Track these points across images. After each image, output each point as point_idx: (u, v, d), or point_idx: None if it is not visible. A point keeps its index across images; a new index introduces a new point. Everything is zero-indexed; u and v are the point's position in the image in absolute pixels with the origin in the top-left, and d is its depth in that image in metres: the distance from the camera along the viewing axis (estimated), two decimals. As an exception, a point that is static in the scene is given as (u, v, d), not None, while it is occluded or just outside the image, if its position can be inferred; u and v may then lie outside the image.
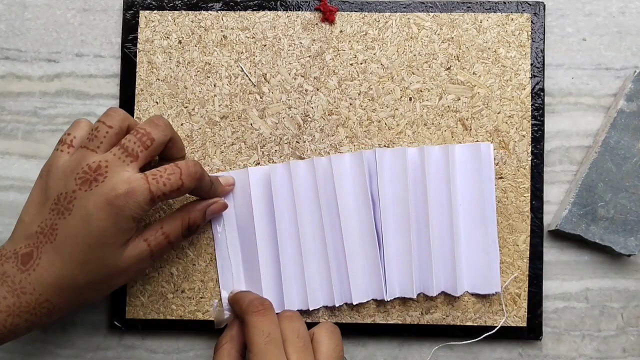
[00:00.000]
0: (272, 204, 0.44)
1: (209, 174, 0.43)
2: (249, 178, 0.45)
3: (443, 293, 0.45)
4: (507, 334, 0.45)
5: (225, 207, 0.45)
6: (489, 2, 0.46)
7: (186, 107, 0.46)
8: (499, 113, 0.46)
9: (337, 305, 0.45)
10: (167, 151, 0.42)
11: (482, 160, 0.45)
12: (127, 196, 0.37)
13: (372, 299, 0.45)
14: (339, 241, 0.44)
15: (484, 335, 0.44)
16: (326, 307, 0.45)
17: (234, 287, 0.45)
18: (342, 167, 0.45)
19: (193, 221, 0.42)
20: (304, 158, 0.46)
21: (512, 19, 0.46)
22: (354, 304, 0.44)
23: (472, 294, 0.45)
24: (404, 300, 0.45)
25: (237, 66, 0.47)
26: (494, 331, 0.45)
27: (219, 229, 0.45)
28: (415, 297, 0.44)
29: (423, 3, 0.47)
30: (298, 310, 0.44)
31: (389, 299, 0.44)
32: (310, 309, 0.45)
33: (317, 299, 0.45)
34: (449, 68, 0.46)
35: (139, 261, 0.40)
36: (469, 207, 0.45)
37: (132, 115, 0.46)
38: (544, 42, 0.46)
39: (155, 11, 0.47)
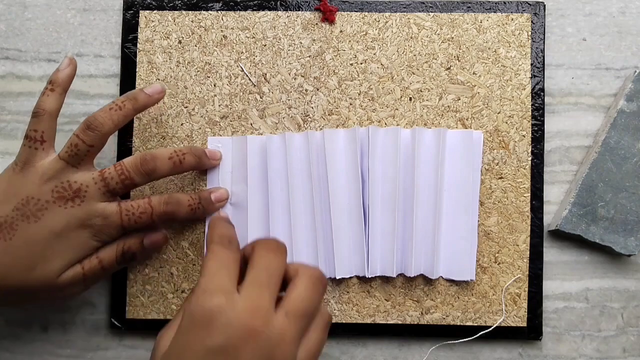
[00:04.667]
0: (266, 174, 0.45)
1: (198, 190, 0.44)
2: (247, 146, 0.45)
3: (444, 291, 0.45)
4: (507, 334, 0.45)
5: (165, 239, 0.44)
6: (489, 2, 0.46)
7: (186, 107, 0.46)
8: (499, 113, 0.46)
9: None
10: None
11: (472, 147, 0.45)
12: (100, 226, 0.40)
13: (358, 278, 0.45)
14: (327, 215, 0.44)
15: (480, 334, 0.44)
16: None
17: None
18: (335, 143, 0.45)
19: (127, 248, 0.42)
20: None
21: (512, 19, 0.46)
22: (337, 278, 0.44)
23: (448, 280, 0.45)
24: (403, 300, 0.45)
25: (237, 66, 0.47)
26: (490, 330, 0.45)
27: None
28: (395, 276, 0.44)
29: (423, 3, 0.47)
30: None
31: (370, 276, 0.44)
32: None
33: None
34: (449, 68, 0.46)
35: (72, 284, 0.40)
36: (454, 193, 0.45)
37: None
38: (544, 42, 0.46)
39: (155, 11, 0.47)
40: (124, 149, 0.46)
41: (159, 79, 0.47)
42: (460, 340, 0.45)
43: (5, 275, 0.38)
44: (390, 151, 0.45)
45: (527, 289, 0.45)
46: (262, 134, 0.46)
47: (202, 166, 0.44)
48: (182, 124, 0.46)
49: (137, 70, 0.47)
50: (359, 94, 0.46)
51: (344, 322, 0.45)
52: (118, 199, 0.42)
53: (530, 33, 0.46)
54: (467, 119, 0.46)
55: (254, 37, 0.47)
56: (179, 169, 0.42)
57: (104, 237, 0.40)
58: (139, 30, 0.47)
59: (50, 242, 0.38)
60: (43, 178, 0.39)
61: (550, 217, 0.46)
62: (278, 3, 0.47)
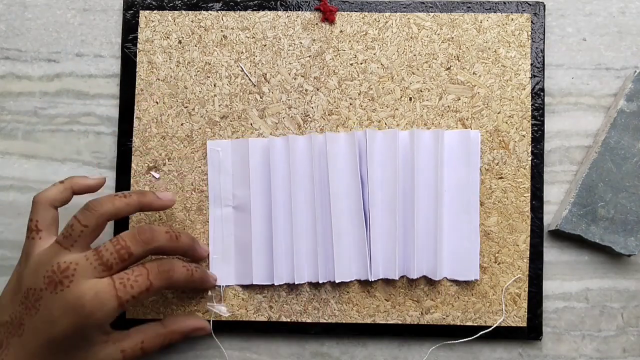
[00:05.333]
0: (269, 176, 0.45)
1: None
2: (249, 149, 0.45)
3: (444, 291, 0.45)
4: (507, 334, 0.45)
5: (208, 333, 0.44)
6: (489, 2, 0.46)
7: (186, 107, 0.46)
8: (499, 113, 0.46)
9: (320, 282, 0.45)
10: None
11: (470, 147, 0.45)
12: (93, 305, 0.36)
13: (358, 280, 0.45)
14: (328, 219, 0.44)
15: (480, 334, 0.44)
16: (310, 284, 0.45)
17: (223, 253, 0.46)
18: (336, 146, 0.45)
19: (174, 341, 0.42)
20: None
21: (512, 19, 0.46)
22: (337, 282, 0.44)
23: (451, 280, 0.45)
24: (403, 300, 0.45)
25: (237, 66, 0.47)
26: (490, 330, 0.45)
27: (214, 196, 0.46)
28: (397, 278, 0.44)
29: (423, 3, 0.47)
30: (285, 283, 0.45)
31: (372, 280, 0.44)
32: (296, 283, 0.45)
33: (302, 274, 0.45)
34: (449, 68, 0.46)
35: None
36: (454, 193, 0.45)
37: (132, 116, 0.46)
38: (544, 42, 0.46)
39: (155, 11, 0.47)
40: (124, 149, 0.46)
41: (159, 79, 0.47)
42: (460, 340, 0.45)
43: None
44: (388, 154, 0.45)
45: (527, 289, 0.45)
46: (262, 134, 0.46)
47: (194, 251, 0.43)
48: (182, 124, 0.46)
49: (137, 70, 0.47)
50: (359, 94, 0.46)
51: (344, 322, 0.45)
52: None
53: (530, 33, 0.46)
54: (467, 119, 0.46)
55: (254, 37, 0.47)
56: (175, 243, 0.40)
57: (102, 318, 0.37)
58: (139, 30, 0.47)
59: (50, 333, 0.37)
60: (38, 266, 0.38)
61: (550, 217, 0.46)
62: (278, 3, 0.47)
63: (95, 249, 0.38)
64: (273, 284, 0.45)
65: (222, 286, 0.45)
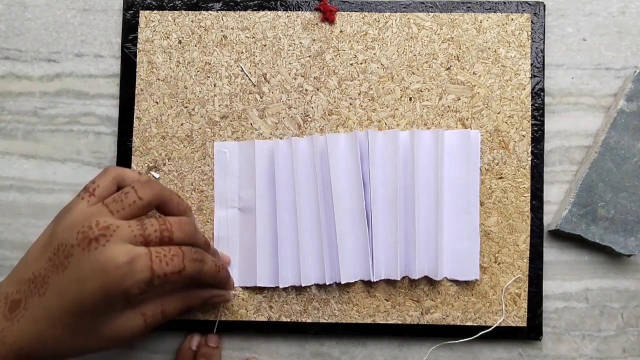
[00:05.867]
0: (274, 179, 0.45)
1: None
2: (255, 151, 0.45)
3: (444, 291, 0.45)
4: (507, 334, 0.45)
5: (228, 300, 0.44)
6: (489, 2, 0.46)
7: (186, 107, 0.46)
8: (499, 113, 0.46)
9: (327, 283, 0.45)
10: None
11: (470, 147, 0.45)
12: (126, 271, 0.34)
13: (360, 280, 0.45)
14: (332, 221, 0.44)
15: (480, 334, 0.44)
16: (317, 285, 0.45)
17: (228, 255, 0.46)
18: (337, 147, 0.45)
19: (193, 306, 0.41)
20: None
21: (512, 19, 0.46)
22: (342, 283, 0.44)
23: (451, 280, 0.45)
24: (403, 300, 0.45)
25: (237, 66, 0.47)
26: (489, 330, 0.45)
27: (219, 198, 0.46)
28: (399, 279, 0.44)
29: (423, 3, 0.47)
30: (291, 285, 0.45)
31: (375, 280, 0.44)
32: (303, 285, 0.45)
33: (309, 276, 0.45)
34: (449, 68, 0.46)
35: (132, 334, 0.37)
36: (455, 193, 0.45)
37: (132, 116, 0.46)
38: (544, 42, 0.46)
39: (155, 11, 0.47)
40: (124, 149, 0.46)
41: (159, 79, 0.47)
42: (460, 340, 0.45)
43: (44, 336, 0.35)
44: (389, 154, 0.45)
45: (527, 289, 0.45)
46: (262, 134, 0.46)
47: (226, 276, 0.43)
48: (182, 124, 0.46)
49: (137, 70, 0.47)
50: (359, 94, 0.46)
51: (344, 322, 0.45)
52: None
53: (530, 33, 0.46)
54: (467, 119, 0.46)
55: (254, 37, 0.47)
56: (208, 251, 0.41)
57: (132, 286, 0.35)
58: (139, 30, 0.47)
59: (77, 295, 0.34)
60: (75, 221, 0.36)
61: (550, 217, 0.46)
62: (278, 3, 0.47)
63: (140, 219, 0.36)
64: (279, 286, 0.45)
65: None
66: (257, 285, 0.45)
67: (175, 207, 0.39)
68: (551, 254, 0.46)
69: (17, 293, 0.35)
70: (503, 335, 0.45)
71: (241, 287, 0.46)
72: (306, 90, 0.46)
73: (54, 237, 0.36)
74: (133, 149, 0.46)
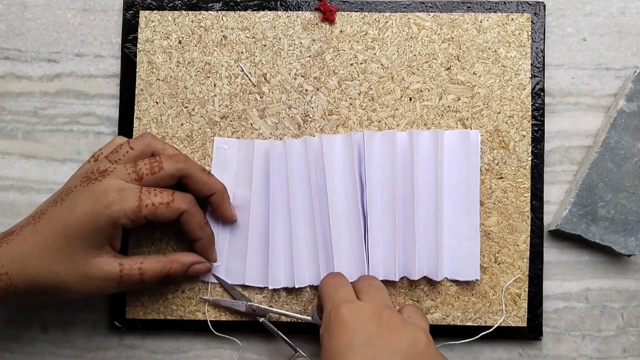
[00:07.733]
0: (269, 180, 0.45)
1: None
2: (254, 150, 0.45)
3: (444, 291, 0.45)
4: (507, 334, 0.45)
5: (208, 271, 0.45)
6: (489, 2, 0.46)
7: (186, 107, 0.46)
8: (499, 113, 0.46)
9: None
10: (189, 187, 0.42)
11: (470, 147, 0.45)
12: (114, 198, 0.38)
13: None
14: (327, 221, 0.44)
15: (480, 335, 0.44)
16: (312, 287, 0.45)
17: (217, 250, 0.45)
18: (332, 148, 0.45)
19: (173, 272, 0.42)
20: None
21: (512, 19, 0.46)
22: None
23: (451, 280, 0.45)
24: (403, 300, 0.45)
25: (237, 66, 0.47)
26: (490, 330, 0.45)
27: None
28: (397, 280, 0.44)
29: (423, 3, 0.47)
30: (284, 287, 0.45)
31: None
32: (297, 287, 0.45)
33: (303, 277, 0.45)
34: (449, 68, 0.46)
35: (105, 280, 0.39)
36: (455, 193, 0.45)
37: (132, 116, 0.46)
38: (544, 42, 0.46)
39: (155, 11, 0.47)
40: (124, 149, 0.46)
41: (159, 79, 0.47)
42: (462, 341, 0.45)
43: (28, 253, 0.38)
44: (387, 155, 0.44)
45: (527, 289, 0.45)
46: (262, 134, 0.46)
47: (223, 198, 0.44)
48: (182, 124, 0.46)
49: (137, 70, 0.47)
50: (359, 94, 0.46)
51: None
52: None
53: (530, 33, 0.46)
54: (467, 119, 0.46)
55: (254, 37, 0.47)
56: (205, 176, 0.42)
57: (119, 213, 0.38)
58: (139, 31, 0.47)
59: (67, 218, 0.38)
60: (80, 174, 0.40)
61: (550, 217, 0.46)
62: (278, 3, 0.47)
63: (134, 162, 0.41)
64: (267, 287, 0.45)
65: (209, 283, 0.45)
66: (245, 283, 0.45)
67: (202, 184, 0.42)
68: (551, 254, 0.46)
69: (16, 227, 0.39)
70: (503, 335, 0.45)
71: (240, 285, 0.45)
72: (306, 90, 0.46)
73: (63, 188, 0.40)
74: (133, 149, 0.46)
